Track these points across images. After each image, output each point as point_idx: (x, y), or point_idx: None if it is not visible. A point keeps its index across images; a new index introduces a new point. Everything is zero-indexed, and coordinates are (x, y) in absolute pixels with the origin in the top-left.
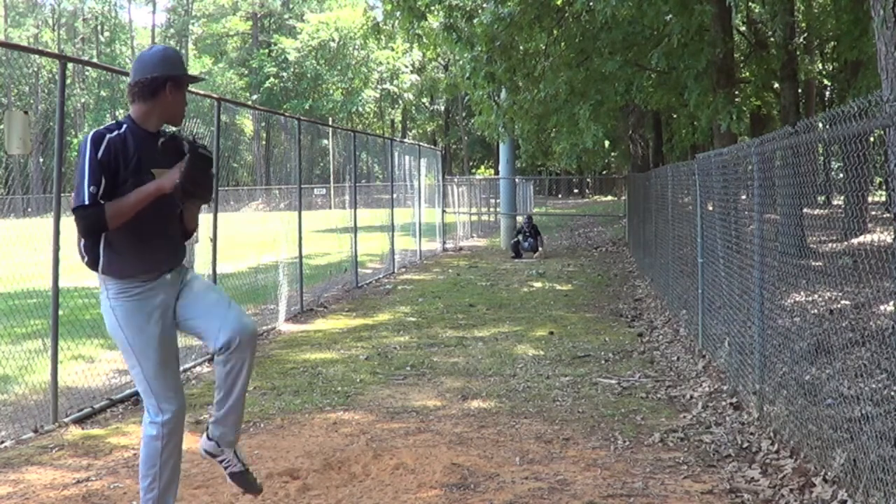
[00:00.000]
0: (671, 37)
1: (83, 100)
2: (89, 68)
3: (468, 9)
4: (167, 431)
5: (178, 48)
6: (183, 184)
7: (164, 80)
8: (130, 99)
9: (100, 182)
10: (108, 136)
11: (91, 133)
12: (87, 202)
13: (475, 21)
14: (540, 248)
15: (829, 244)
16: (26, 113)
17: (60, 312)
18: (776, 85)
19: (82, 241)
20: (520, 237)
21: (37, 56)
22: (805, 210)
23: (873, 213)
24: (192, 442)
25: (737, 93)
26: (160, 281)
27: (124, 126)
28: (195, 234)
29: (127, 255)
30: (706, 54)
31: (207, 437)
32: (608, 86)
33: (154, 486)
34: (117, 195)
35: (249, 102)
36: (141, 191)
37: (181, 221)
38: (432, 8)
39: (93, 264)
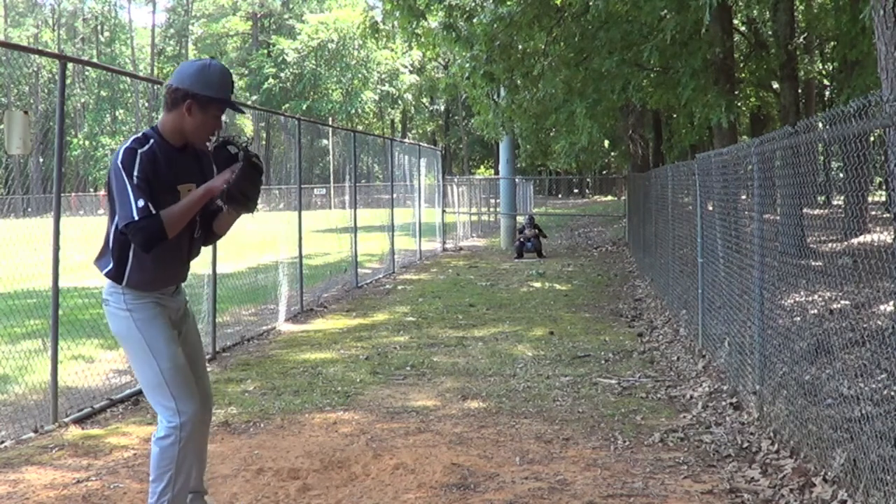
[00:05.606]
0: (665, 32)
1: (83, 100)
2: (89, 68)
3: (468, 8)
4: (185, 434)
5: (177, 48)
6: (230, 190)
7: (184, 94)
8: (163, 105)
9: (147, 194)
10: (139, 150)
11: (121, 149)
12: (136, 217)
13: (474, 21)
14: (543, 254)
15: (829, 244)
16: (26, 113)
17: (59, 312)
18: (776, 85)
19: (112, 252)
20: (521, 238)
21: (37, 56)
22: (805, 210)
23: (873, 213)
24: None
25: (736, 92)
26: (170, 294)
27: (151, 140)
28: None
29: (151, 270)
30: (702, 53)
31: None
32: (606, 85)
33: (168, 490)
34: (158, 206)
35: (249, 102)
36: (192, 196)
37: (209, 227)
38: (432, 8)
39: (118, 277)
